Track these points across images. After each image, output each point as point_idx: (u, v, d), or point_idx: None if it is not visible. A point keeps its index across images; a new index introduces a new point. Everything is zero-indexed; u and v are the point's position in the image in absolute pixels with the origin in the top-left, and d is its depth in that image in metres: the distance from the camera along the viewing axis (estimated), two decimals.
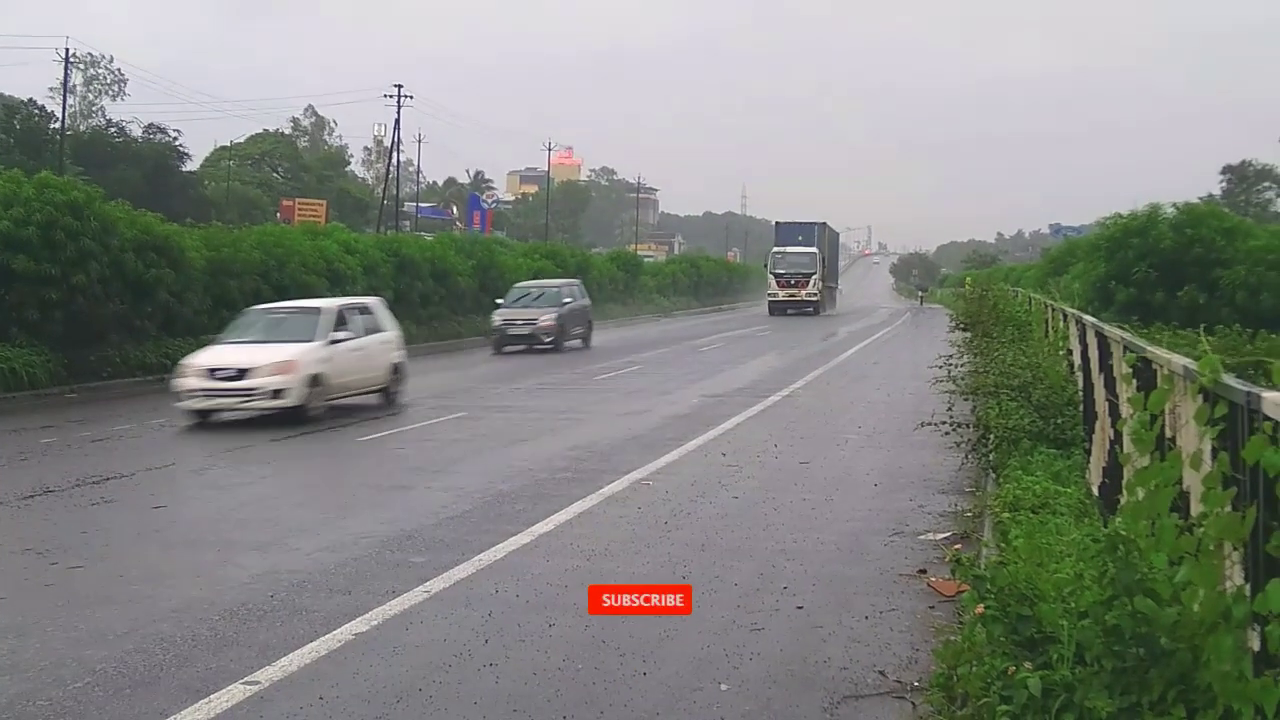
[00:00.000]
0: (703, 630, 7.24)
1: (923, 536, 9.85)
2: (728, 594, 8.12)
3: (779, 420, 18.09)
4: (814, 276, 62.28)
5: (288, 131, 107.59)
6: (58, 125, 65.52)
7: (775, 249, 65.78)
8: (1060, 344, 14.93)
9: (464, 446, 15.17)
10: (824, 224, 68.42)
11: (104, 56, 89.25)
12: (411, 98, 77.04)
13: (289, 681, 6.34)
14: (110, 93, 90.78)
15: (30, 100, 67.20)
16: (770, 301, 63.09)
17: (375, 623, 7.39)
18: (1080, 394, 11.59)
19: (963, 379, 14.56)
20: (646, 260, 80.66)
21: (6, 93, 73.88)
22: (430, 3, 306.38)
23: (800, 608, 7.81)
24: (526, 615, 7.50)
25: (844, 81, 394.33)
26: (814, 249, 63.87)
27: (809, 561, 9.07)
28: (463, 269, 38.51)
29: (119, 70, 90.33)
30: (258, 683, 6.28)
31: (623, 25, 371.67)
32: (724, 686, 6.31)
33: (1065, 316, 15.36)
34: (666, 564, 8.89)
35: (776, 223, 71.98)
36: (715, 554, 9.29)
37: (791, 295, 61.53)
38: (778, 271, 62.87)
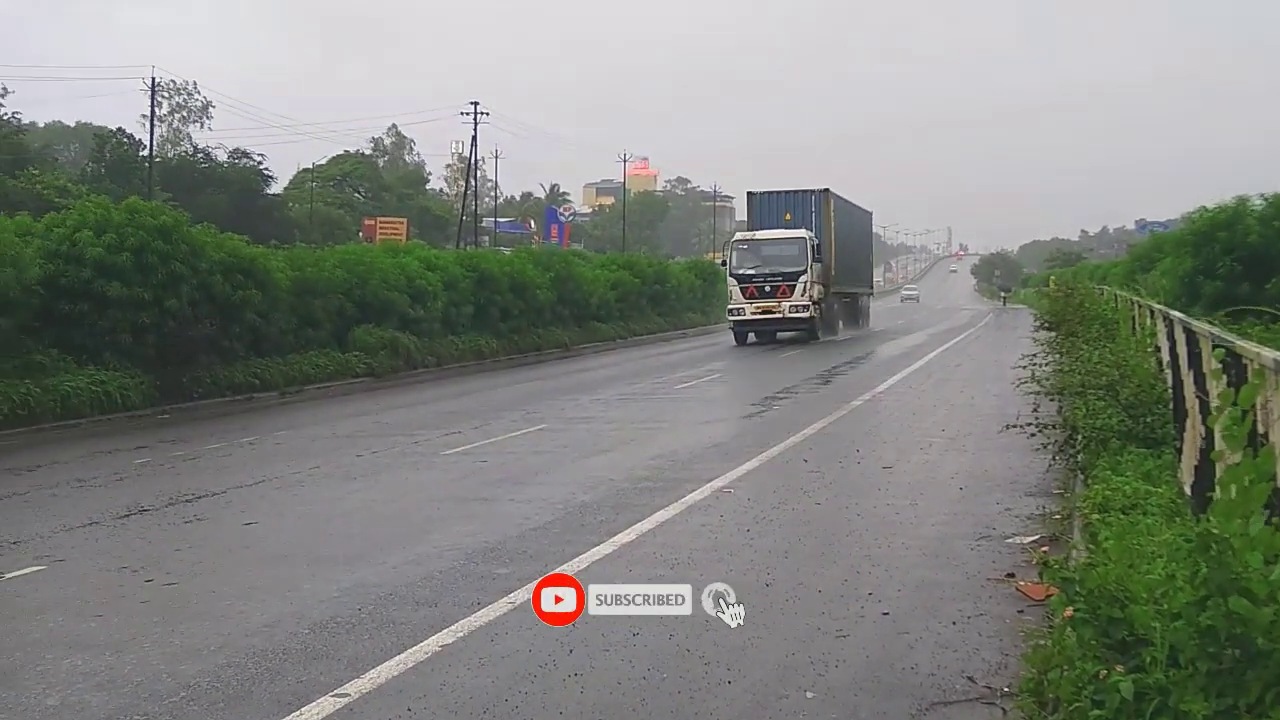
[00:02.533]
0: (788, 637, 7.21)
1: (1010, 540, 9.71)
2: (812, 600, 8.07)
3: (861, 425, 17.95)
4: (802, 278, 38.97)
5: (368, 152, 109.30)
6: (146, 153, 67.18)
7: (739, 236, 43.54)
8: (1148, 341, 14.63)
9: (546, 458, 15.24)
10: (826, 192, 42.85)
11: (189, 83, 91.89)
12: (487, 114, 78.00)
13: (377, 693, 6.41)
14: (196, 119, 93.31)
15: (119, 129, 69.16)
16: (733, 321, 40.64)
17: (461, 634, 7.45)
18: (1170, 391, 11.35)
19: (1048, 379, 14.33)
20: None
21: (100, 123, 76.23)
22: (504, 20, 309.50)
23: (886, 614, 7.73)
24: (610, 625, 7.47)
25: (923, 85, 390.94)
26: (802, 233, 39.93)
27: (894, 567, 8.97)
28: (541, 282, 38.78)
29: (205, 98, 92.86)
30: (347, 695, 6.37)
31: (696, 35, 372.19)
32: (810, 694, 6.26)
33: (1152, 313, 15.05)
34: (750, 571, 8.85)
35: (749, 193, 44.09)
36: (799, 560, 9.24)
37: (765, 310, 39.26)
38: (741, 272, 39.88)
